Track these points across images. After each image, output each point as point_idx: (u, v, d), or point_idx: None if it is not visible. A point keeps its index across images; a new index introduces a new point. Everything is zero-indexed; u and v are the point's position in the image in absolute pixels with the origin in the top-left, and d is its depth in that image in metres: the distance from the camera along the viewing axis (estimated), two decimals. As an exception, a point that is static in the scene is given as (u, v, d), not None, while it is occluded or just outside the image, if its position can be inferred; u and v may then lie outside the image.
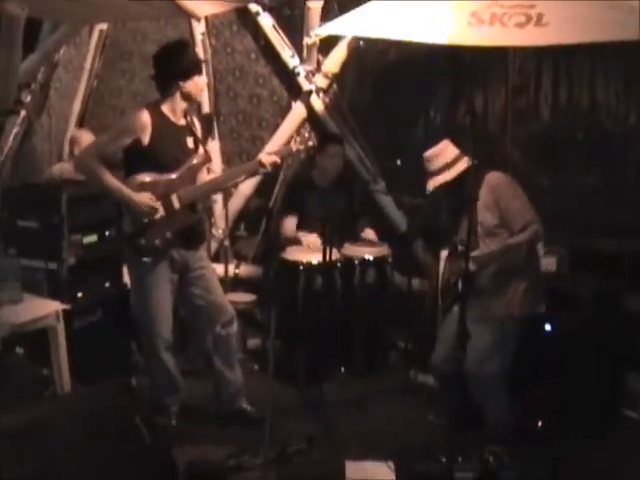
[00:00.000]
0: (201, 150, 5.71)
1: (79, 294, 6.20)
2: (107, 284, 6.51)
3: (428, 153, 5.44)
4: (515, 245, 5.29)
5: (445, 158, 5.36)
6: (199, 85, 5.56)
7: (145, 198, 5.39)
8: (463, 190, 5.04)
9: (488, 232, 5.32)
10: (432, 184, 5.39)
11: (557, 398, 5.86)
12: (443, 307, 5.77)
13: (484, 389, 5.43)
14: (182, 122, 5.62)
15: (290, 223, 7.15)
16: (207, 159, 5.77)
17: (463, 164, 5.31)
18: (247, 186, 8.03)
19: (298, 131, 7.85)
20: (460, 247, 5.32)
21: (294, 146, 5.86)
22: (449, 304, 5.55)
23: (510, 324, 5.42)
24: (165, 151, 5.48)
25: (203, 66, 5.82)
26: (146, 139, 5.37)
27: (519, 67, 7.34)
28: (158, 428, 5.40)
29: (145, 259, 5.51)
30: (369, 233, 7.17)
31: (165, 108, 5.51)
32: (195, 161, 5.62)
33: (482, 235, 5.31)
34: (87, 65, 8.58)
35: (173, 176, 5.50)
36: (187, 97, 5.52)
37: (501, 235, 5.31)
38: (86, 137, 7.47)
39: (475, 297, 5.11)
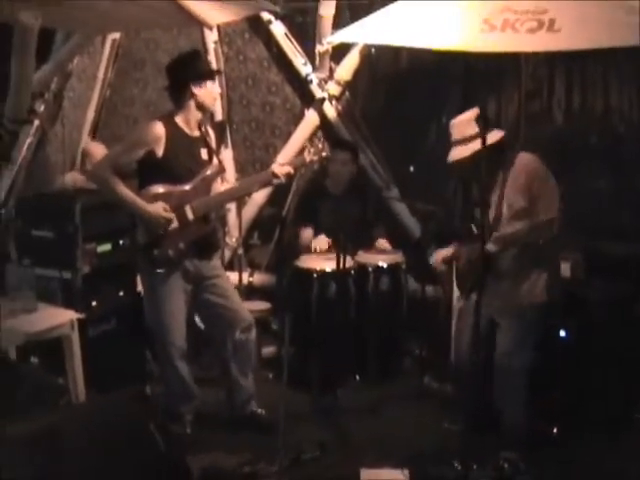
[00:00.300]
0: (215, 161, 5.72)
1: (93, 303, 6.22)
2: (121, 293, 6.52)
3: (456, 120, 5.38)
4: (540, 226, 5.12)
5: (474, 127, 5.27)
6: (212, 93, 5.58)
7: (159, 210, 5.39)
8: (491, 166, 5.04)
9: (515, 215, 5.24)
10: (458, 154, 5.30)
11: (570, 403, 5.84)
12: (462, 294, 5.70)
13: (511, 383, 5.41)
14: (196, 133, 5.63)
15: (307, 234, 7.15)
16: (221, 170, 5.78)
17: (493, 137, 5.20)
18: (260, 195, 8.05)
19: (311, 141, 7.86)
20: (475, 229, 5.30)
21: (307, 157, 5.85)
22: (469, 288, 5.49)
23: (534, 312, 5.36)
24: (179, 163, 5.49)
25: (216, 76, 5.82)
26: (160, 151, 5.39)
27: (532, 72, 7.34)
28: (172, 436, 5.39)
29: (159, 270, 5.51)
30: (383, 243, 7.17)
31: (179, 119, 5.52)
32: (209, 172, 5.63)
33: (508, 217, 5.25)
34: (100, 74, 8.61)
35: (187, 187, 5.50)
36: (200, 106, 5.52)
37: (526, 219, 5.20)
38: (98, 150, 7.49)
39: (497, 284, 5.09)
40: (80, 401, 5.74)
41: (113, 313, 6.39)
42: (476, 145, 5.11)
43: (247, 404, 5.99)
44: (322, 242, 6.98)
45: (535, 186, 5.21)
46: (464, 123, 5.32)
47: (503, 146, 5.27)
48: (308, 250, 7.03)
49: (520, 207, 5.21)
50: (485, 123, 4.93)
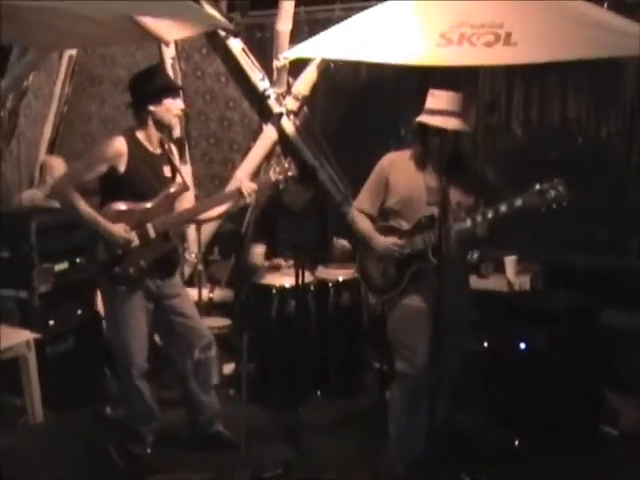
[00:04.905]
0: (179, 179, 5.66)
1: (51, 322, 6.16)
2: (79, 311, 6.46)
3: (450, 91, 5.10)
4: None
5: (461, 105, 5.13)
6: (170, 110, 5.46)
7: (121, 230, 5.32)
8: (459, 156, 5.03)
9: (464, 211, 5.09)
10: (458, 124, 5.00)
11: (533, 415, 5.84)
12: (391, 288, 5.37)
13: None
14: (158, 150, 5.56)
15: (259, 250, 7.11)
16: (184, 188, 5.70)
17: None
18: (219, 210, 7.98)
19: (278, 159, 7.85)
20: (424, 220, 5.09)
21: (273, 176, 5.71)
22: (408, 279, 5.21)
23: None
24: (141, 179, 5.42)
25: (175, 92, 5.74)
26: (122, 167, 5.31)
27: (489, 85, 7.36)
28: (133, 457, 5.35)
29: (120, 288, 5.46)
30: (341, 242, 7.16)
31: (140, 136, 5.45)
32: (172, 190, 5.56)
33: (456, 212, 5.05)
34: (57, 91, 8.57)
35: (149, 205, 5.44)
36: (158, 123, 5.47)
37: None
38: (57, 164, 7.45)
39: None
40: (38, 422, 5.68)
41: (71, 332, 6.33)
42: (464, 124, 5.06)
43: (211, 423, 5.93)
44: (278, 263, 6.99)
45: (480, 189, 5.24)
46: (459, 97, 5.11)
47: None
48: (258, 267, 7.00)
49: (469, 206, 5.12)
50: (442, 137, 4.87)
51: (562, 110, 7.15)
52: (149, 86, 5.43)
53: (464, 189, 5.13)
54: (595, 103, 7.03)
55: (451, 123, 4.96)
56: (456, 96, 5.09)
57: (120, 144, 5.32)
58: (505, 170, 7.26)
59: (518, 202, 4.81)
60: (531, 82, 7.25)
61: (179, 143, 7.99)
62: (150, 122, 5.44)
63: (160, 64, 7.76)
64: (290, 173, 5.70)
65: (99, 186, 5.43)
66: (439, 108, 5.06)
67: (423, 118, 5.09)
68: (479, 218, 4.93)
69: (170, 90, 5.52)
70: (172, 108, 5.47)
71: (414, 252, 5.13)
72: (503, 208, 4.85)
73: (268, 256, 7.13)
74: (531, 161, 7.16)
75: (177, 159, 5.76)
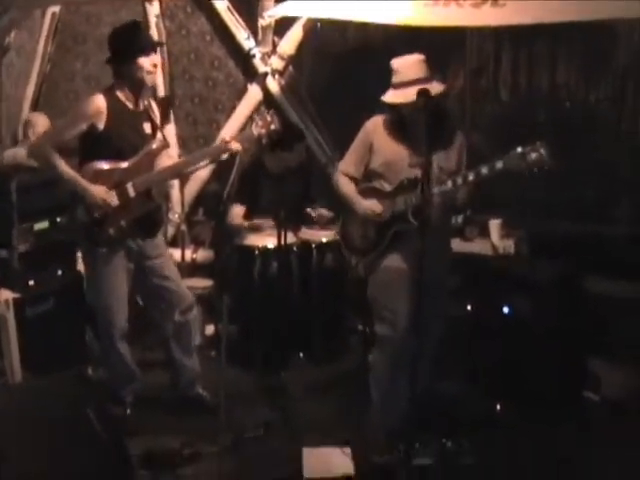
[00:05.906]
0: (159, 135, 5.60)
1: (31, 282, 6.10)
2: (60, 272, 6.41)
3: (406, 61, 5.10)
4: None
5: (426, 70, 5.06)
6: (144, 67, 5.34)
7: (101, 191, 5.27)
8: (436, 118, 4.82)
9: (444, 176, 5.04)
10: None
11: (516, 381, 5.83)
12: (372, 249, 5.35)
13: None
14: (138, 107, 5.50)
15: (238, 211, 7.06)
16: (165, 145, 5.62)
17: (438, 87, 5.05)
18: (204, 170, 7.91)
19: (259, 113, 7.77)
20: (406, 182, 5.06)
21: (255, 130, 5.59)
22: (388, 241, 5.22)
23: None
24: (121, 137, 5.35)
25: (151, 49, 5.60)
26: (101, 125, 5.25)
27: (477, 48, 7.29)
28: (112, 418, 5.33)
29: (100, 249, 5.40)
30: (322, 211, 7.13)
31: (120, 93, 5.38)
32: (153, 147, 5.49)
33: (437, 176, 5.00)
34: (40, 49, 8.45)
35: (130, 163, 5.38)
36: (133, 81, 5.37)
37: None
38: (41, 120, 7.40)
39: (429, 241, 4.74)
40: (16, 382, 5.66)
41: (52, 293, 6.27)
42: (437, 87, 4.98)
43: (192, 385, 5.95)
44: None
45: (463, 154, 5.22)
46: (417, 64, 5.07)
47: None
48: (238, 228, 6.96)
49: (451, 170, 5.10)
50: (426, 100, 4.76)
51: (551, 74, 7.08)
52: (122, 44, 5.34)
53: (447, 152, 5.13)
54: (585, 68, 6.96)
55: (412, 94, 4.82)
56: (416, 61, 5.08)
57: (99, 101, 5.26)
58: (492, 135, 7.21)
59: (499, 164, 4.73)
60: (520, 45, 7.18)
61: (165, 102, 7.89)
62: (126, 79, 5.37)
63: (136, 21, 7.65)
64: (273, 127, 5.55)
65: (78, 146, 5.37)
66: (401, 81, 5.09)
67: (386, 97, 5.17)
68: (460, 180, 4.88)
69: (143, 48, 5.38)
70: (145, 65, 5.35)
71: (395, 213, 5.10)
72: (484, 170, 4.78)
73: (248, 217, 7.10)
74: (519, 126, 7.11)
75: (157, 116, 5.69)
